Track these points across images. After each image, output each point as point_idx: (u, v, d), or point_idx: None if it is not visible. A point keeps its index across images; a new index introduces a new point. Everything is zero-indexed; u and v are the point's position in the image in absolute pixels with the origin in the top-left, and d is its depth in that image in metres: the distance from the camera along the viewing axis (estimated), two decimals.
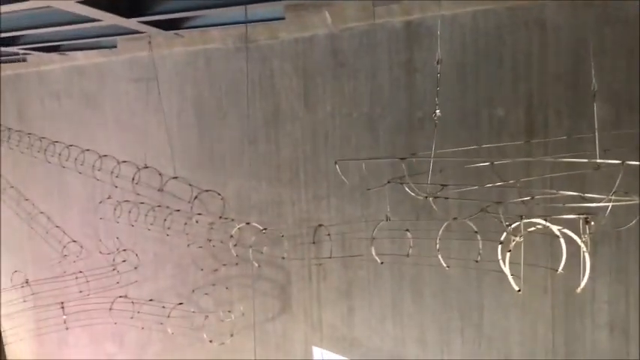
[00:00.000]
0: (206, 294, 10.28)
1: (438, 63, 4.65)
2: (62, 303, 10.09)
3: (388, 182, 4.92)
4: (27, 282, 10.24)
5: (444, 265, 5.57)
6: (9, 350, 20.58)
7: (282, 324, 10.04)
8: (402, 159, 4.57)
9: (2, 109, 16.27)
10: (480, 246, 5.83)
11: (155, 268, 12.33)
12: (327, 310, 9.39)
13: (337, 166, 6.35)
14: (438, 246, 5.62)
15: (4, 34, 8.92)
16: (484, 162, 5.34)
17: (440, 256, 5.59)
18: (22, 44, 10.38)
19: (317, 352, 9.68)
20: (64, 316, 9.99)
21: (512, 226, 4.11)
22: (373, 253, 6.27)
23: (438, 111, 4.51)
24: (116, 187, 10.32)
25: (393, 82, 8.15)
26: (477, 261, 5.81)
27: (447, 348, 7.95)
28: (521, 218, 3.89)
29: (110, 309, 9.91)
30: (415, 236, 6.88)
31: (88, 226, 14.02)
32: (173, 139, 11.12)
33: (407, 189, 4.67)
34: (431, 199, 4.59)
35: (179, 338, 12.18)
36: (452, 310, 7.88)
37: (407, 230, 6.33)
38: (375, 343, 8.77)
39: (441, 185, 4.68)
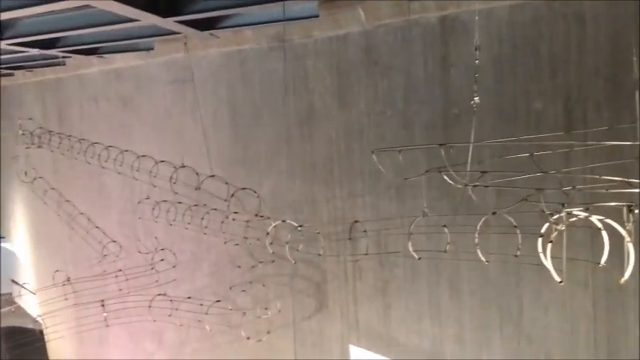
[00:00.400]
0: (243, 291, 10.34)
1: (476, 49, 4.61)
2: (102, 301, 10.26)
3: (426, 172, 4.88)
4: (68, 280, 10.44)
5: (483, 259, 5.51)
6: (50, 349, 21.02)
7: (319, 322, 10.05)
8: (440, 145, 4.53)
9: (44, 113, 16.64)
10: (520, 240, 5.74)
11: (192, 267, 12.45)
12: (363, 308, 9.36)
13: (374, 156, 6.31)
14: (476, 240, 5.55)
15: (43, 36, 9.11)
16: (523, 153, 5.26)
17: (479, 251, 5.52)
18: (61, 47, 10.59)
19: (354, 350, 9.66)
20: (105, 314, 10.15)
21: (555, 217, 4.04)
22: (410, 249, 6.23)
23: (476, 98, 4.46)
24: (154, 186, 10.46)
25: (427, 78, 8.10)
26: (516, 256, 5.73)
27: (486, 346, 7.85)
28: (563, 206, 3.82)
29: (149, 306, 10.04)
30: (452, 233, 6.81)
31: (127, 227, 14.24)
32: (209, 139, 11.23)
33: (445, 177, 4.63)
34: (469, 188, 4.53)
35: (216, 337, 12.28)
36: (490, 308, 7.78)
37: (444, 226, 6.27)
38: (412, 341, 8.71)
39: (481, 172, 4.61)
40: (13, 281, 17.24)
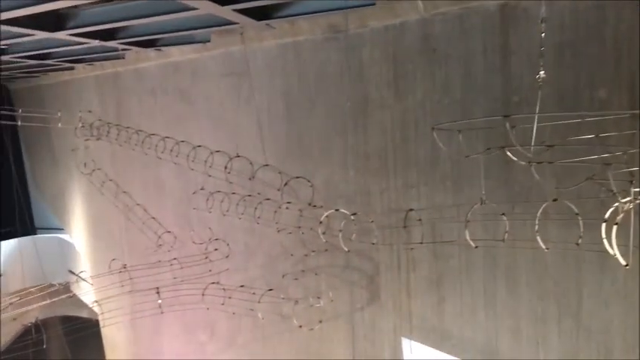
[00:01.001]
0: (295, 279, 10.37)
1: (542, 22, 4.49)
2: (157, 288, 10.43)
3: (488, 149, 4.77)
4: (124, 267, 10.65)
5: (543, 246, 5.36)
6: (105, 337, 21.54)
7: (371, 314, 9.99)
8: (505, 117, 4.41)
9: (102, 106, 17.06)
10: (581, 228, 5.57)
11: (245, 258, 12.56)
12: (416, 300, 9.26)
13: (435, 133, 6.22)
14: (536, 227, 5.41)
15: (103, 26, 9.30)
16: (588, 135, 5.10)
17: (539, 238, 5.38)
18: (120, 38, 10.81)
19: (406, 343, 9.57)
20: (159, 301, 10.31)
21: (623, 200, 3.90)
22: (467, 237, 6.12)
23: (542, 72, 4.35)
24: (209, 176, 10.57)
25: (487, 66, 7.95)
26: (577, 244, 5.56)
27: (543, 339, 7.66)
28: (631, 184, 3.68)
29: (203, 294, 10.16)
30: (510, 223, 6.66)
31: (182, 218, 14.46)
32: (263, 131, 11.29)
33: (509, 153, 4.51)
34: (533, 166, 4.42)
35: (268, 327, 12.36)
36: (548, 299, 7.59)
37: (502, 214, 6.13)
38: (466, 334, 8.57)
39: (547, 146, 4.49)
40: (71, 271, 17.68)
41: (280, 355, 12.14)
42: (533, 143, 4.54)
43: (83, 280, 14.39)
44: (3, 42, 10.25)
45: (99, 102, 17.46)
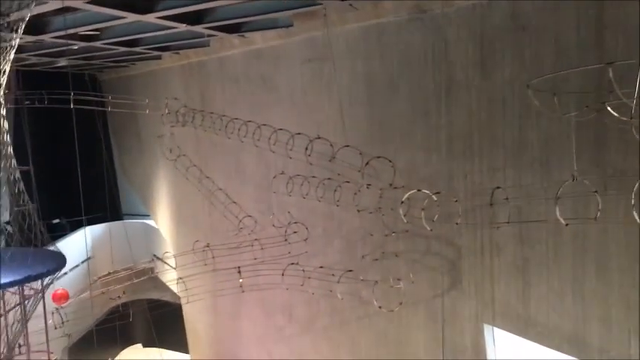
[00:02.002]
0: (375, 259, 10.30)
1: None
2: (239, 267, 10.60)
3: (587, 107, 4.55)
4: (207, 246, 10.88)
5: (638, 219, 5.07)
6: (187, 320, 22.13)
7: (452, 300, 9.80)
8: (608, 64, 4.16)
9: (187, 94, 17.50)
10: None
11: (324, 242, 12.59)
12: (500, 286, 9.01)
13: (530, 91, 6.00)
14: (632, 201, 5.12)
15: (189, 8, 9.48)
16: None
17: (635, 213, 5.10)
18: (206, 22, 11.01)
19: (488, 330, 9.33)
20: (240, 280, 10.48)
21: None
22: (557, 214, 5.89)
23: None
24: (290, 158, 10.64)
25: (579, 42, 7.62)
26: None
27: (634, 327, 7.28)
28: None
29: (282, 274, 10.24)
30: (603, 203, 6.33)
31: (262, 203, 14.66)
32: (344, 115, 11.26)
33: (609, 109, 4.28)
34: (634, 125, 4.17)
35: (347, 312, 12.35)
36: None
37: (595, 191, 5.86)
38: (553, 321, 8.26)
39: None
40: (155, 256, 18.23)
41: (358, 340, 12.11)
42: (635, 101, 4.28)
43: (167, 264, 14.84)
44: (95, 26, 10.63)
45: (184, 90, 17.92)
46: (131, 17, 9.57)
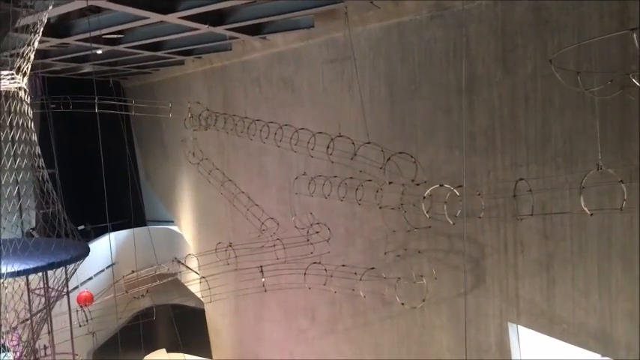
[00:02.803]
0: (398, 255, 10.24)
1: None
2: (261, 267, 10.60)
3: (611, 82, 4.49)
4: (230, 245, 10.89)
5: None
6: (210, 323, 22.20)
7: (475, 298, 9.70)
8: (632, 29, 4.07)
9: (210, 98, 17.64)
10: None
11: (346, 242, 12.57)
12: (524, 283, 8.90)
13: (552, 65, 5.94)
14: None
15: (210, 7, 9.54)
16: None
17: None
18: (228, 23, 11.10)
19: (513, 328, 9.22)
20: (263, 279, 10.47)
21: None
22: (582, 205, 5.81)
23: None
24: (312, 157, 10.63)
25: (602, 34, 7.53)
26: None
27: None
28: None
29: (305, 273, 10.22)
30: (628, 193, 6.23)
31: (284, 205, 14.69)
32: (365, 114, 11.24)
33: (634, 80, 4.21)
34: None
35: (369, 313, 12.29)
36: None
37: (621, 181, 5.77)
38: (578, 318, 8.14)
39: None
40: (178, 261, 18.29)
41: (381, 341, 12.03)
42: None
43: (190, 269, 14.90)
44: (118, 27, 10.75)
45: (207, 95, 18.08)
46: (154, 17, 9.67)
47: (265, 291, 10.59)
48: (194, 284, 18.07)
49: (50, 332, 12.05)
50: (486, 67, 9.14)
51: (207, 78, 18.45)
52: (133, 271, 10.75)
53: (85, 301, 14.29)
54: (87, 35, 11.00)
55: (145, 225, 27.86)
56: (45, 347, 12.71)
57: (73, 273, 11.02)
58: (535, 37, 8.36)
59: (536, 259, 8.68)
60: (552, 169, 8.27)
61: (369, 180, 9.86)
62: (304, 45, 13.41)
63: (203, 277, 10.70)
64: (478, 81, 9.29)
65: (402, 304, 9.22)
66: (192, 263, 13.85)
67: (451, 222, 7.14)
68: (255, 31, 12.43)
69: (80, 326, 10.91)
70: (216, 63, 17.60)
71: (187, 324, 23.90)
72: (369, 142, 9.29)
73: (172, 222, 26.34)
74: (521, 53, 8.61)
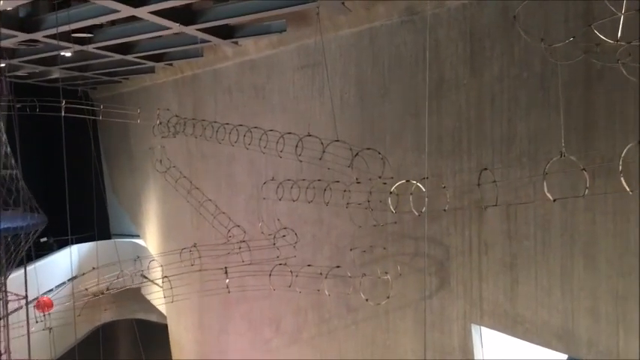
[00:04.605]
0: (364, 251, 10.21)
1: None
2: (225, 268, 10.46)
3: (573, 37, 4.54)
4: (194, 246, 10.77)
5: (627, 189, 5.05)
6: (173, 338, 21.78)
7: (440, 301, 9.70)
8: None
9: (180, 106, 17.54)
10: None
11: (313, 249, 12.51)
12: (488, 284, 8.93)
13: (517, 23, 5.95)
14: (620, 167, 5.11)
15: (180, 2, 9.50)
16: None
17: (622, 179, 5.08)
18: (199, 23, 11.06)
19: (476, 329, 9.22)
20: (227, 280, 10.34)
21: None
22: (545, 190, 5.87)
23: None
24: (280, 157, 10.60)
25: (568, 34, 7.68)
26: None
27: (623, 319, 7.20)
28: None
29: (270, 275, 10.12)
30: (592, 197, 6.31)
31: (252, 214, 14.60)
32: (336, 120, 11.28)
33: (596, 31, 4.25)
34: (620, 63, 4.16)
35: (335, 320, 12.20)
36: (629, 276, 7.15)
37: (583, 169, 5.85)
38: (541, 317, 8.17)
39: None
40: (143, 276, 18.01)
41: (346, 348, 11.93)
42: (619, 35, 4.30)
43: (153, 282, 14.66)
44: (88, 22, 10.62)
45: (177, 104, 17.99)
46: (125, 11, 9.61)
47: (229, 292, 10.45)
48: (157, 297, 17.81)
49: (7, 339, 11.73)
50: (454, 70, 9.27)
51: (178, 87, 18.37)
52: (93, 268, 10.57)
53: (45, 306, 13.93)
54: (55, 31, 10.88)
55: (110, 238, 27.45)
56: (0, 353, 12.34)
57: (31, 240, 10.81)
58: (502, 38, 8.51)
59: (500, 259, 8.73)
60: (517, 168, 8.37)
61: (337, 181, 9.87)
62: (276, 52, 13.46)
63: (166, 277, 10.52)
64: (446, 84, 9.41)
65: (367, 300, 9.17)
66: (156, 274, 13.64)
67: (417, 213, 7.16)
68: (226, 34, 12.44)
69: (37, 322, 10.63)
70: (187, 72, 17.55)
71: (150, 339, 23.44)
72: (337, 140, 9.30)
73: (138, 236, 25.97)
74: (488, 55, 8.75)
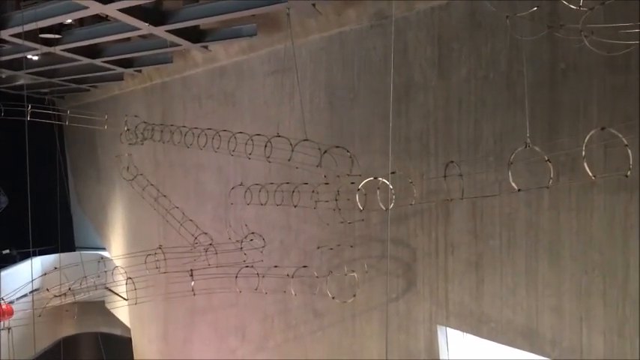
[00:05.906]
0: (331, 249, 10.18)
1: None
2: (191, 270, 10.33)
3: (537, 7, 4.61)
4: (160, 247, 10.63)
5: (590, 174, 5.13)
6: (137, 350, 21.37)
7: (406, 303, 9.69)
8: None
9: (148, 114, 17.39)
10: (631, 159, 5.31)
11: (280, 255, 12.43)
12: (454, 285, 8.95)
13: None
14: (583, 153, 5.19)
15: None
16: None
17: (586, 165, 5.15)
18: (168, 24, 11.01)
19: (442, 331, 9.22)
20: (192, 283, 10.20)
21: None
22: (510, 180, 5.93)
23: None
24: (249, 158, 10.55)
25: (534, 35, 7.84)
26: (626, 175, 5.29)
27: (586, 315, 7.27)
28: None
29: (236, 277, 10.02)
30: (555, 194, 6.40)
31: (220, 221, 14.48)
32: (305, 124, 11.29)
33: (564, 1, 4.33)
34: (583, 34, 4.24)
35: (301, 327, 12.11)
36: (593, 272, 7.23)
37: (547, 160, 5.92)
38: (505, 316, 8.21)
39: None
40: (107, 289, 17.74)
41: (312, 354, 11.82)
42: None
43: (118, 295, 14.42)
44: (55, 19, 10.50)
45: (146, 113, 17.83)
46: (94, 7, 9.52)
47: (194, 294, 10.30)
48: (120, 301, 17.49)
49: None
50: (423, 73, 9.36)
51: (147, 95, 18.25)
52: (55, 268, 10.35)
53: (4, 314, 13.61)
54: (21, 29, 10.75)
55: (75, 250, 26.96)
56: None
57: None
58: (469, 40, 8.64)
59: (466, 259, 8.77)
60: (483, 167, 8.45)
61: (306, 183, 9.87)
62: (247, 58, 13.48)
63: (129, 278, 10.34)
64: (414, 86, 9.50)
65: (333, 297, 9.13)
66: (121, 287, 13.40)
67: (384, 208, 7.16)
68: (197, 38, 12.42)
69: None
70: (156, 79, 17.46)
71: (113, 352, 23.01)
72: (306, 139, 9.30)
73: (104, 249, 25.56)
74: (456, 57, 8.87)
